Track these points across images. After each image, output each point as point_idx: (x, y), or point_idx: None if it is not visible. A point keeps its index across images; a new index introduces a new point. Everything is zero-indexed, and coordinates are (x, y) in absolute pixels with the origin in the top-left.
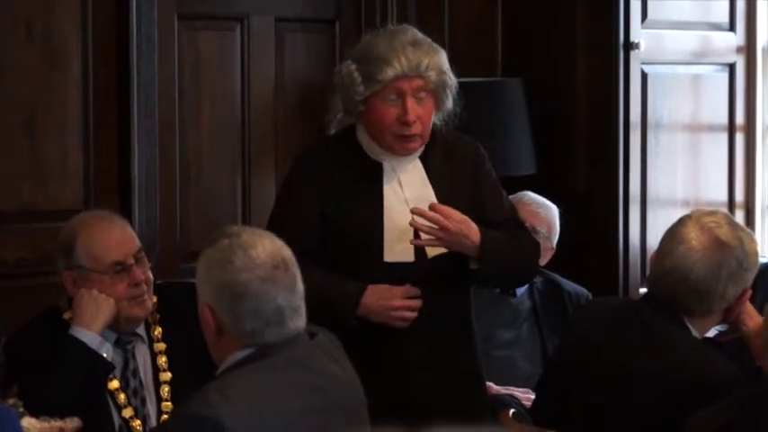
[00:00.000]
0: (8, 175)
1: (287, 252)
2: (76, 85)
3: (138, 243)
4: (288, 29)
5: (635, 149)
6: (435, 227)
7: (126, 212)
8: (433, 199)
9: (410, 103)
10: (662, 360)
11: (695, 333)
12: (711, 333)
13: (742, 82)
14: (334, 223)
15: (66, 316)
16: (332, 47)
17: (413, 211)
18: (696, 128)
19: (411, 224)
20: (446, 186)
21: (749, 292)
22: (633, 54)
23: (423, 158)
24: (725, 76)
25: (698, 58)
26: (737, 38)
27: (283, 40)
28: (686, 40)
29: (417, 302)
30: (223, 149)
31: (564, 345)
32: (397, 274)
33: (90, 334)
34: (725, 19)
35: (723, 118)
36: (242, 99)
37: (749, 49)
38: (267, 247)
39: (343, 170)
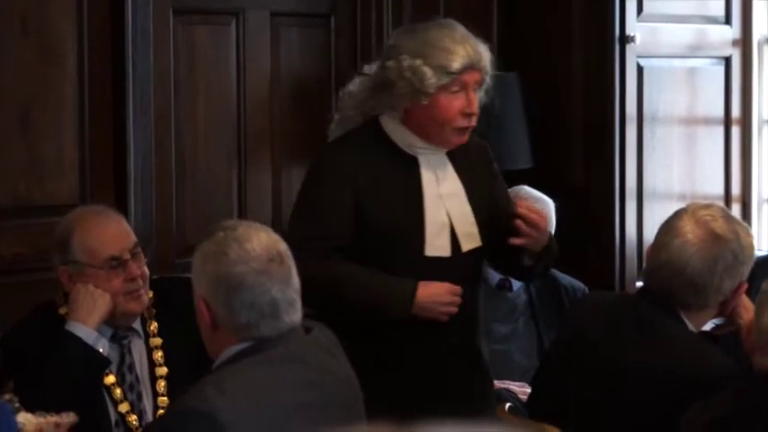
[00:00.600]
0: (4, 170)
1: (282, 245)
2: (72, 81)
3: (133, 238)
4: (283, 23)
5: (631, 143)
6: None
7: (122, 207)
8: (463, 194)
9: (473, 95)
10: (658, 354)
11: (691, 327)
12: (708, 326)
13: (738, 75)
14: (372, 217)
15: (62, 311)
16: (327, 41)
17: (520, 213)
18: (692, 121)
19: (516, 224)
20: (469, 181)
21: (745, 286)
22: (629, 47)
23: (448, 154)
24: (721, 69)
25: (694, 51)
26: (733, 31)
27: (279, 34)
28: (682, 34)
29: (459, 299)
30: (219, 144)
31: (560, 339)
32: (436, 268)
33: (86, 329)
34: (721, 12)
35: (719, 111)
36: (237, 94)
37: (745, 42)
38: (263, 240)
39: (378, 164)
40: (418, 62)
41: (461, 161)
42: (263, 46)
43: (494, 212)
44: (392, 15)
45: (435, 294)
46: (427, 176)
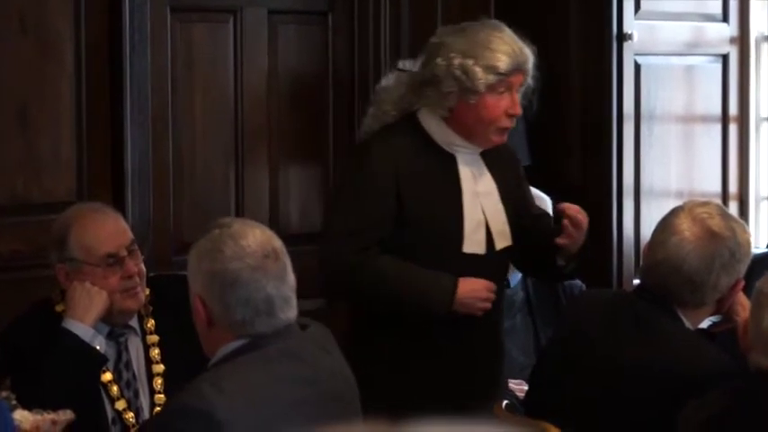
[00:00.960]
0: (1, 167)
1: (277, 242)
2: (69, 78)
3: (130, 235)
4: (281, 21)
5: (628, 141)
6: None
7: (119, 205)
8: (497, 193)
9: (516, 96)
10: (655, 352)
11: (688, 324)
12: (704, 324)
13: (735, 73)
14: (412, 213)
15: (59, 308)
16: (324, 39)
17: (569, 213)
18: (690, 119)
19: (563, 225)
20: (501, 181)
21: (742, 283)
22: (626, 45)
23: (481, 154)
24: (718, 66)
25: (691, 48)
26: (731, 29)
27: (276, 32)
28: (679, 31)
29: (494, 296)
30: (216, 141)
31: (557, 336)
32: (472, 265)
33: (83, 327)
34: (718, 10)
35: (716, 109)
36: (235, 91)
37: (742, 39)
38: (257, 236)
39: (418, 160)
40: (470, 62)
41: (493, 161)
42: (260, 44)
43: (520, 213)
44: (390, 13)
45: (475, 290)
46: (465, 174)
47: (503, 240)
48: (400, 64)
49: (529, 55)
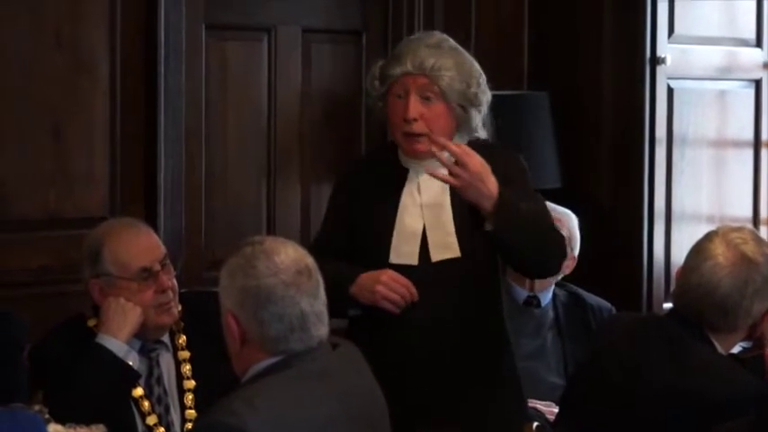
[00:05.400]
0: (34, 181)
1: (310, 259)
2: (104, 94)
3: (163, 249)
4: (315, 40)
5: (660, 164)
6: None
7: (151, 221)
8: (447, 204)
9: (413, 100)
10: (686, 375)
11: (720, 349)
12: (736, 349)
13: None
14: (355, 224)
15: (91, 323)
16: (358, 58)
17: (434, 141)
18: (721, 143)
19: (434, 154)
20: None
21: None
22: (659, 69)
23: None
24: (751, 92)
25: (724, 73)
26: (764, 54)
27: (310, 50)
28: (712, 56)
29: (406, 293)
30: (249, 159)
31: (588, 359)
32: (404, 275)
33: (117, 343)
34: (751, 35)
35: (749, 134)
36: (268, 109)
37: None
38: (290, 253)
39: (374, 175)
40: (375, 69)
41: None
42: (294, 62)
43: None
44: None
45: (376, 274)
46: (410, 186)
47: (443, 252)
48: None
49: (429, 58)
